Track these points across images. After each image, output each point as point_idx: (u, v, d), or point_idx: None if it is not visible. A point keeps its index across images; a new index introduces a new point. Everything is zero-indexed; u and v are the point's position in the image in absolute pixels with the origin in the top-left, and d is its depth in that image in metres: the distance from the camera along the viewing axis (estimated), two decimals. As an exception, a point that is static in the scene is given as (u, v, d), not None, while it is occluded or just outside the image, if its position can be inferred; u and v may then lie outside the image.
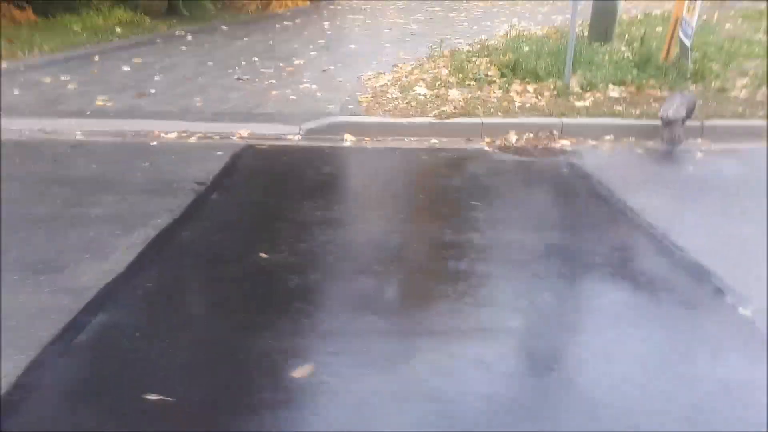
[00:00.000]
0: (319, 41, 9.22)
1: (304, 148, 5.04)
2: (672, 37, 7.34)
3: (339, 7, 13.63)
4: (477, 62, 7.28)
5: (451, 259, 3.09)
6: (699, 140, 5.54)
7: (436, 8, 13.70)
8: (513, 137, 5.50)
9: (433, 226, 3.57)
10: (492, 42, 8.89)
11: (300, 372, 2.15)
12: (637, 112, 5.90)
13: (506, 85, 6.53)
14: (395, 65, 7.67)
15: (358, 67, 7.56)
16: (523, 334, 2.48)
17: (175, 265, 2.99)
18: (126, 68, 7.20)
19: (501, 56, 7.27)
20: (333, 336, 2.41)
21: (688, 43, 6.86)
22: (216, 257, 3.06)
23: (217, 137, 5.20)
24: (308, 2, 14.57)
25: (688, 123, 5.48)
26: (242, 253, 3.06)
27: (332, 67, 7.59)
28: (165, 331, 2.46)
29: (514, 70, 6.91)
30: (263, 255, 3.00)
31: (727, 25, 10.96)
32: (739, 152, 5.27)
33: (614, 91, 6.56)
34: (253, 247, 3.06)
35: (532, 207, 3.93)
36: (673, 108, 5.34)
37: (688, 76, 7.01)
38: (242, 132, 5.30)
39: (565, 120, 5.68)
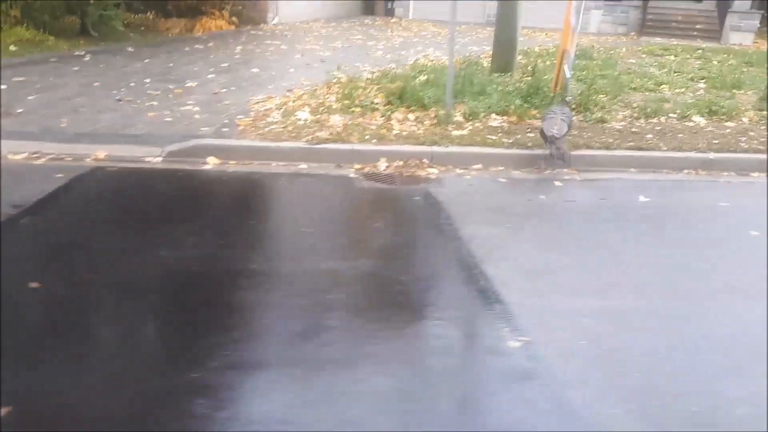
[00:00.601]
0: (223, 64, 9.12)
1: (156, 171, 4.89)
2: (559, 69, 7.54)
3: (261, 33, 13.58)
4: (367, 90, 7.29)
5: (240, 290, 2.97)
6: (565, 170, 5.64)
7: (358, 36, 13.81)
8: (383, 164, 5.48)
9: (244, 254, 3.44)
10: (398, 71, 8.98)
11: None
12: (511, 141, 5.99)
13: (389, 113, 6.54)
14: (290, 90, 7.62)
15: (251, 91, 7.48)
16: (271, 365, 2.37)
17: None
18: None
19: (390, 84, 7.30)
20: (56, 374, 2.24)
21: (569, 74, 7.05)
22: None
23: (70, 159, 5.00)
24: (232, 27, 14.47)
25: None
26: (12, 283, 2.87)
27: (224, 90, 7.48)
28: None
29: (401, 98, 6.94)
30: (34, 285, 2.82)
31: (631, 60, 11.39)
32: (599, 182, 5.38)
33: (495, 120, 6.66)
34: (30, 277, 2.88)
35: (362, 235, 3.87)
36: (557, 126, 5.55)
37: (572, 106, 7.19)
38: (99, 154, 5.11)
39: (436, 148, 5.70)
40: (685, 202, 4.88)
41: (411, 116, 6.54)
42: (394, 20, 18.72)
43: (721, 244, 3.97)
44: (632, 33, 16.96)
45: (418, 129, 6.22)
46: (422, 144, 5.77)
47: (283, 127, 5.96)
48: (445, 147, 5.75)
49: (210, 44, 11.24)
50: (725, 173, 5.82)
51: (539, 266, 3.45)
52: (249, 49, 10.83)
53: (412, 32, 15.25)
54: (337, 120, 6.29)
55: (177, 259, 3.24)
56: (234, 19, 14.78)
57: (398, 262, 3.44)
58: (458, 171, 5.49)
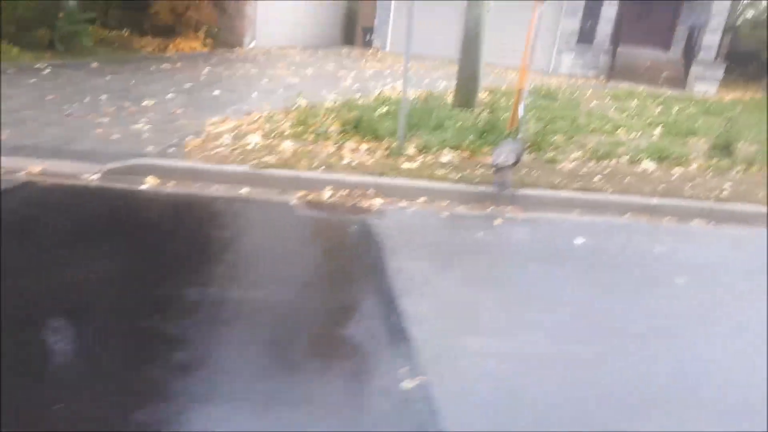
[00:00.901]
0: (186, 85, 9.08)
1: (89, 188, 4.79)
2: (516, 107, 7.64)
3: (234, 56, 13.60)
4: (324, 118, 7.30)
5: (135, 317, 2.87)
6: (509, 207, 5.66)
7: (331, 65, 13.91)
8: (328, 193, 5.45)
9: (151, 279, 3.34)
10: (360, 101, 9.03)
11: None
12: (458, 176, 6.00)
13: (341, 142, 6.54)
14: (248, 114, 7.59)
15: (208, 113, 7.43)
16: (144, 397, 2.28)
17: None
18: (-55, 96, 6.80)
19: (347, 113, 7.31)
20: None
21: (521, 113, 7.13)
22: None
23: (2, 171, 4.88)
24: (206, 48, 14.49)
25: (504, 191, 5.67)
26: None
27: (181, 111, 7.42)
28: None
29: (356, 127, 6.96)
30: None
31: (594, 102, 11.61)
32: (540, 222, 5.39)
33: (448, 155, 6.68)
34: None
35: (285, 264, 3.80)
36: (504, 155, 5.70)
37: (525, 144, 7.25)
38: (34, 168, 5.01)
39: (383, 180, 5.69)
40: (620, 246, 4.91)
41: (364, 146, 6.54)
42: (371, 52, 18.95)
43: (645, 290, 3.98)
44: (601, 77, 17.34)
45: (369, 159, 6.22)
46: (370, 174, 5.76)
47: (231, 150, 5.92)
48: (392, 179, 5.75)
49: (178, 64, 11.21)
50: (667, 218, 5.89)
51: (459, 304, 3.41)
52: (217, 71, 10.82)
53: (386, 64, 15.42)
54: (288, 146, 6.26)
55: (75, 281, 3.14)
56: (209, 40, 14.81)
57: (313, 294, 3.37)
58: (402, 203, 5.48)
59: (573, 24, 17.96)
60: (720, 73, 17.06)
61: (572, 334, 3.17)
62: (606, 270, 4.28)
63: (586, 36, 17.97)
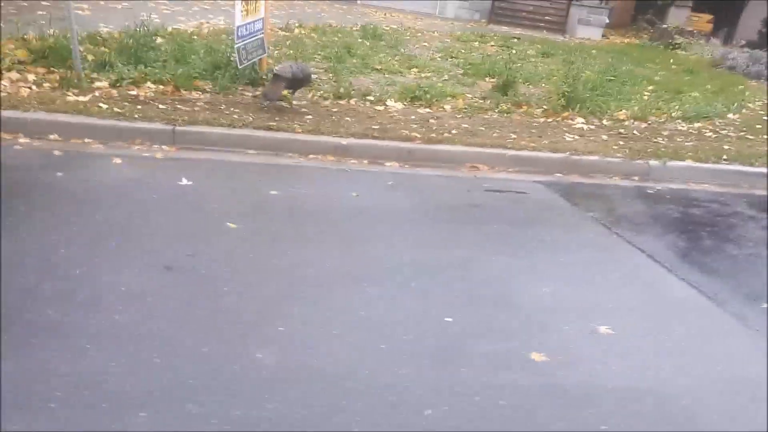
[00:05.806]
0: None
1: None
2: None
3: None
4: (14, 48, 6.34)
5: None
6: (165, 147, 4.92)
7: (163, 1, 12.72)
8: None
9: None
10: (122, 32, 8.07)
11: None
12: (124, 111, 5.19)
13: (6, 72, 5.63)
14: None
15: None
16: None
17: None
18: None
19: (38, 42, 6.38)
20: None
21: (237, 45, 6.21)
22: None
23: None
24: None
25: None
26: None
27: None
28: None
29: (46, 57, 6.05)
30: None
31: (425, 44, 10.76)
32: (180, 161, 4.69)
33: (147, 90, 5.82)
34: None
35: None
36: (282, 66, 5.89)
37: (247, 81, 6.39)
38: None
39: (12, 114, 4.87)
40: (233, 187, 4.23)
41: (32, 77, 5.64)
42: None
43: (179, 235, 3.33)
44: (483, 20, 16.46)
45: (28, 92, 5.35)
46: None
47: None
48: (24, 113, 4.92)
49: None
50: (354, 161, 5.22)
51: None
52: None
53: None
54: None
55: None
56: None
57: None
58: (21, 140, 4.69)
59: (458, -35, 16.91)
60: (604, 18, 16.29)
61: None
62: (158, 211, 3.63)
63: (472, -22, 16.95)
